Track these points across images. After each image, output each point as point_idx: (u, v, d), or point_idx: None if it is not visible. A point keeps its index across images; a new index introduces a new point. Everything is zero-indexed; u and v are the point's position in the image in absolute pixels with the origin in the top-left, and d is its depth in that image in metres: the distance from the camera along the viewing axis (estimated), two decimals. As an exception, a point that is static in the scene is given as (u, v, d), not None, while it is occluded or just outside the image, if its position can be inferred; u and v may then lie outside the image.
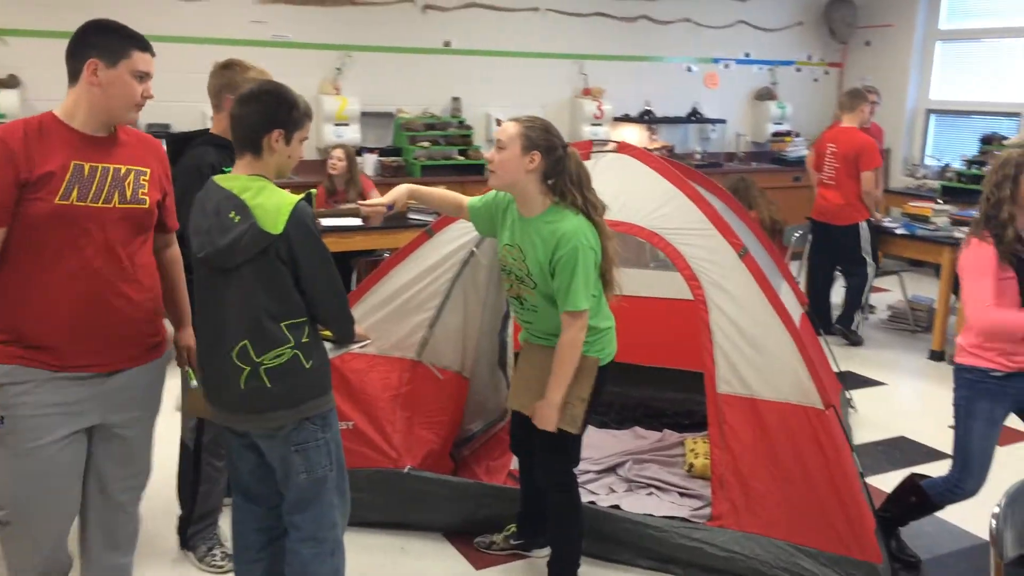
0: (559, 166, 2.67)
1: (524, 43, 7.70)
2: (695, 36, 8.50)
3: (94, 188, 2.12)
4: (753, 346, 3.07)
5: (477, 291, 3.47)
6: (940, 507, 3.17)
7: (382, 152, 7.10)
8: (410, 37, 7.26)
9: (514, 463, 3.53)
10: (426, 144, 7.17)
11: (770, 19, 8.84)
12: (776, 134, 8.77)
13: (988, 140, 7.78)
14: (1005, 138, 7.71)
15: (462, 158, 7.23)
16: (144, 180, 2.22)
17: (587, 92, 7.93)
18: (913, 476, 3.24)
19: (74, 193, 2.09)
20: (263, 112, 2.21)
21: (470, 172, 7.01)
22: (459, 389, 3.54)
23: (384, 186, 5.44)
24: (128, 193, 2.18)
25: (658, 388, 4.44)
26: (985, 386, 2.92)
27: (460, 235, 3.40)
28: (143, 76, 2.16)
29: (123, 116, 2.18)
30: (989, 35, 8.20)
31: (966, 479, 3.01)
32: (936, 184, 7.86)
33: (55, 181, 2.06)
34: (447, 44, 7.43)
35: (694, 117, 8.42)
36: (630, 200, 3.30)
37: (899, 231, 5.77)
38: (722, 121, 8.60)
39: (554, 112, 7.56)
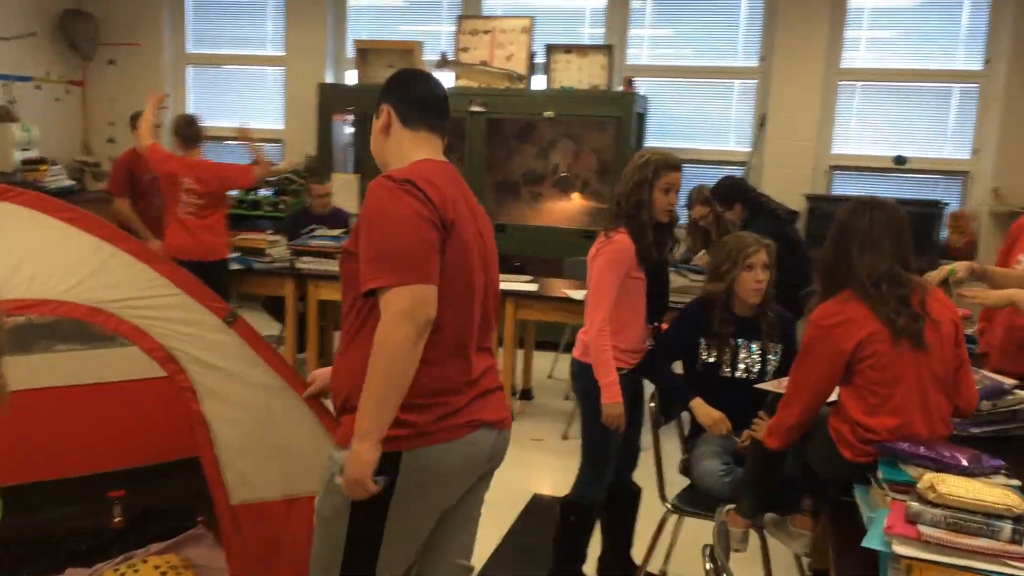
0: None
1: None
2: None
3: None
4: (267, 432, 2.39)
5: None
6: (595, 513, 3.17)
7: None
8: None
9: None
10: None
11: (-2, 26, 7.42)
12: (27, 162, 7.40)
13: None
14: (273, 163, 7.92)
15: None
16: None
17: None
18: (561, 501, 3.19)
19: None
20: None
21: None
22: None
23: None
24: None
25: (55, 507, 3.23)
26: (620, 387, 2.95)
27: None
28: None
29: None
30: (237, 62, 8.30)
31: (604, 473, 3.08)
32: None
33: None
34: None
35: (-80, 141, 6.55)
36: (38, 266, 2.28)
37: (235, 266, 5.37)
38: (-40, 146, 6.91)
39: None
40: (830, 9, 6.70)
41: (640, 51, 7.24)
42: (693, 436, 3.15)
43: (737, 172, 6.87)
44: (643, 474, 3.32)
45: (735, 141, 7.10)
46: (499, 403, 2.13)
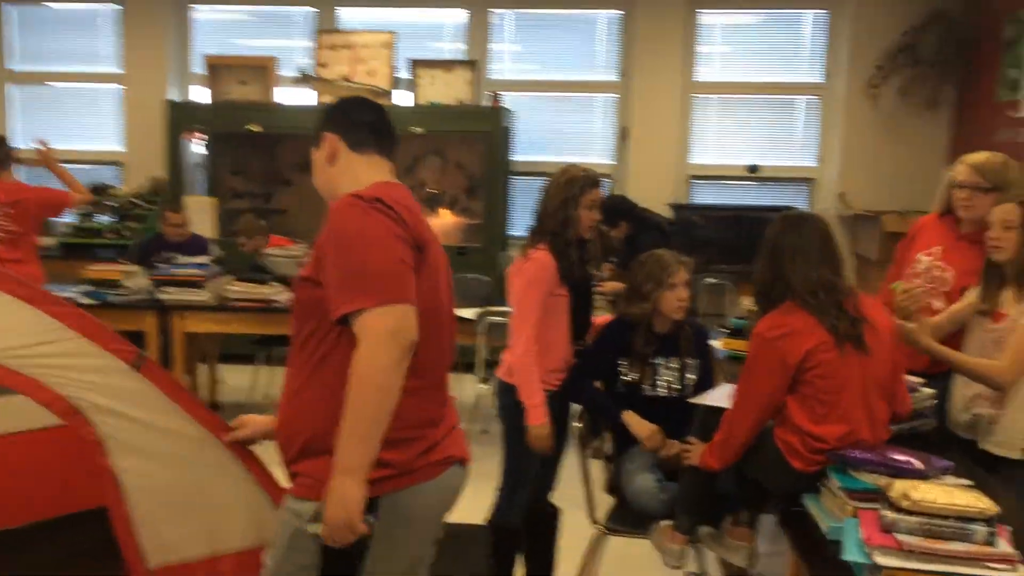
0: None
1: None
2: None
3: None
4: (187, 485, 2.16)
5: None
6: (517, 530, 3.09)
7: None
8: None
9: None
10: None
11: None
12: None
13: (99, 190, 7.31)
14: (113, 187, 7.38)
15: None
16: None
17: None
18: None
19: None
20: None
21: None
22: None
23: None
24: None
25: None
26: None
27: None
28: None
29: None
30: (69, 79, 7.68)
31: (522, 493, 3.03)
32: (52, 241, 7.02)
33: None
34: None
35: None
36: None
37: (87, 301, 4.90)
38: None
39: None
40: (683, 25, 6.92)
41: (503, 66, 7.23)
42: (618, 453, 3.10)
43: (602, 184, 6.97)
44: (560, 494, 3.26)
45: (598, 154, 7.20)
46: (463, 438, 2.00)
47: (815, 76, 7.03)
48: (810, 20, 6.99)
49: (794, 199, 7.15)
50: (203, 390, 5.61)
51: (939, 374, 3.02)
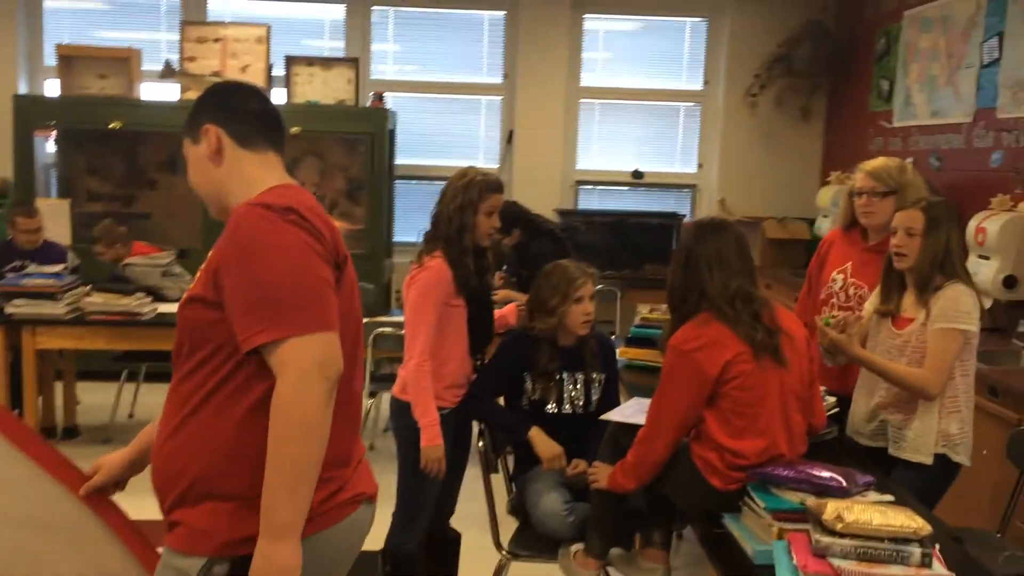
0: None
1: None
2: None
3: None
4: (35, 549, 1.85)
5: None
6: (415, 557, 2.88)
7: None
8: None
9: None
10: None
11: None
12: None
13: (-65, 192, 6.64)
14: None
15: None
16: None
17: None
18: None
19: None
20: None
21: None
22: None
23: None
24: None
25: None
26: (442, 428, 2.71)
27: None
28: None
29: None
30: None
31: (420, 520, 2.86)
32: None
33: None
34: None
35: None
36: None
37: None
38: None
39: None
40: (568, 30, 6.85)
41: (384, 66, 6.98)
42: (521, 472, 2.94)
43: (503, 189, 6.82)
44: (460, 516, 3.09)
45: (484, 157, 7.04)
46: (370, 470, 1.79)
47: (695, 84, 7.10)
48: (690, 28, 7.05)
49: (678, 205, 7.21)
50: (59, 412, 5.12)
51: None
